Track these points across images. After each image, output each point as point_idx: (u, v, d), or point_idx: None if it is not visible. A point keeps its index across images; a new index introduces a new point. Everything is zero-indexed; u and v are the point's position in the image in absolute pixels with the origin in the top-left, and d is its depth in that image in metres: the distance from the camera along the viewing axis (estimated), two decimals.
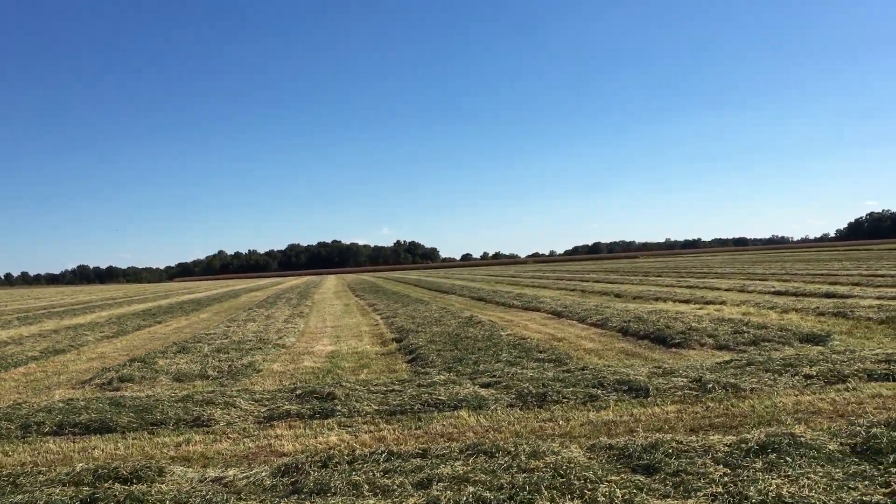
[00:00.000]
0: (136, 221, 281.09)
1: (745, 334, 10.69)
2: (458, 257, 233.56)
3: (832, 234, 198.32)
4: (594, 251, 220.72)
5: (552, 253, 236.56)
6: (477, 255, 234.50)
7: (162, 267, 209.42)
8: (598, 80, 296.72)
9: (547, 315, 17.00)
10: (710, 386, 7.15)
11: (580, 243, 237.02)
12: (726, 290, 22.49)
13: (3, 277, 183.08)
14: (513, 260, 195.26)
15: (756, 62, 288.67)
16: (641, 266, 61.31)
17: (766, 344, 9.87)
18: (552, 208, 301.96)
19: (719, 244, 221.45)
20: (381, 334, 14.43)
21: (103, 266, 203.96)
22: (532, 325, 14.82)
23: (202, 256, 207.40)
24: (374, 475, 4.70)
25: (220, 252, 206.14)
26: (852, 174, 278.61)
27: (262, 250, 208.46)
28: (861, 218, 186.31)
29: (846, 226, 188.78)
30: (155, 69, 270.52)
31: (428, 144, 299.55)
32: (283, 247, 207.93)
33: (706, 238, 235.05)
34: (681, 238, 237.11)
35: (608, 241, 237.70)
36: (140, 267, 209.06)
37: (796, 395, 6.85)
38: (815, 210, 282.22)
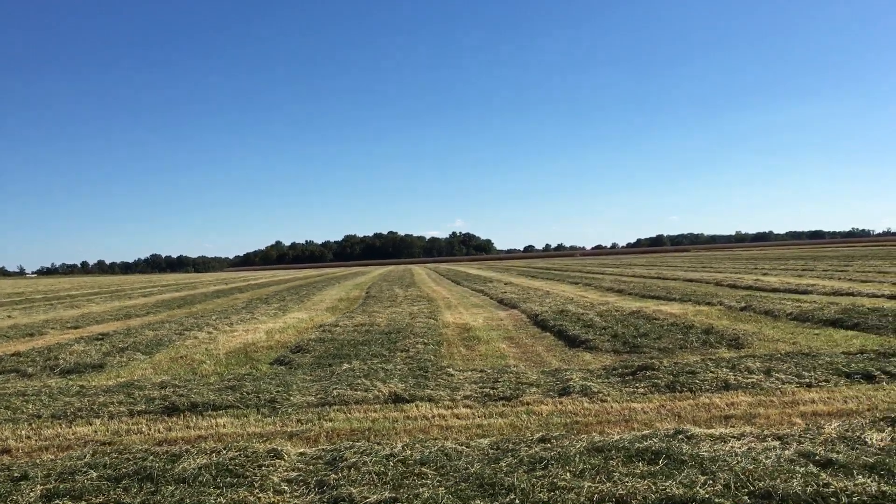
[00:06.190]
0: (210, 212, 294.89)
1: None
2: (521, 248, 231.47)
3: None
4: (656, 244, 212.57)
5: (614, 245, 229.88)
6: (539, 246, 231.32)
7: (231, 257, 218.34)
8: (671, 71, 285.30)
9: None
10: None
11: (654, 234, 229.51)
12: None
13: (79, 266, 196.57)
14: (559, 252, 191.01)
15: (837, 51, 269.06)
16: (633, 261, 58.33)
17: None
18: (627, 200, 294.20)
19: (793, 237, 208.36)
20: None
21: (174, 255, 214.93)
22: None
23: (263, 247, 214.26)
24: None
25: (278, 243, 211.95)
26: None
27: (318, 241, 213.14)
28: None
29: None
30: (225, 71, 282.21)
31: (494, 136, 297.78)
32: (339, 237, 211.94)
33: (779, 231, 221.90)
34: (752, 231, 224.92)
35: (675, 234, 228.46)
36: (210, 256, 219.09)
37: None
38: None
